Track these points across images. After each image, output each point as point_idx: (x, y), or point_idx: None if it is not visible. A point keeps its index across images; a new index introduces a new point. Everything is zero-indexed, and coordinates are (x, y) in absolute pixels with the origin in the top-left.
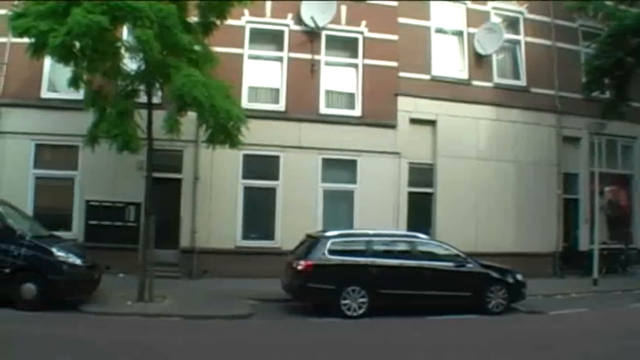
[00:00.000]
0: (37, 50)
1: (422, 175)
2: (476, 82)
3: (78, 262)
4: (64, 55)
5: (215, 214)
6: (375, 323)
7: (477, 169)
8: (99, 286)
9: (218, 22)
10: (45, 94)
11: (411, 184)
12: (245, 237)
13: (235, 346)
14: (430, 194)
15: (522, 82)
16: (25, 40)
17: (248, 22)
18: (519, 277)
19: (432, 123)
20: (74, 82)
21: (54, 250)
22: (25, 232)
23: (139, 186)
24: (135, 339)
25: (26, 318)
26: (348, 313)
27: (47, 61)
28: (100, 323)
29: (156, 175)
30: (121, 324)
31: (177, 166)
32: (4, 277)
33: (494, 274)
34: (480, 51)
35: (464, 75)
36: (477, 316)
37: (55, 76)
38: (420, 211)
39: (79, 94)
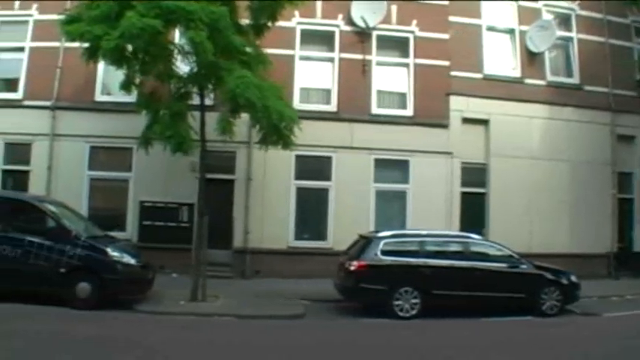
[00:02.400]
0: (92, 55)
1: (475, 175)
2: (528, 81)
3: (132, 261)
4: (116, 59)
5: (267, 214)
6: (428, 324)
7: (530, 168)
8: (153, 286)
9: (269, 24)
10: (99, 97)
11: (463, 184)
12: (297, 237)
13: (287, 346)
14: (483, 194)
15: (575, 79)
16: (79, 44)
17: (299, 23)
18: (573, 278)
19: (484, 122)
20: (126, 86)
21: (108, 250)
22: (80, 233)
23: (192, 187)
24: (188, 338)
25: (81, 317)
26: (401, 314)
27: (101, 65)
28: (153, 322)
29: (209, 176)
30: (174, 323)
31: (230, 167)
32: (59, 277)
33: (548, 276)
34: (532, 49)
35: (516, 73)
36: (530, 318)
37: (108, 80)
38: (473, 212)
39: (133, 97)
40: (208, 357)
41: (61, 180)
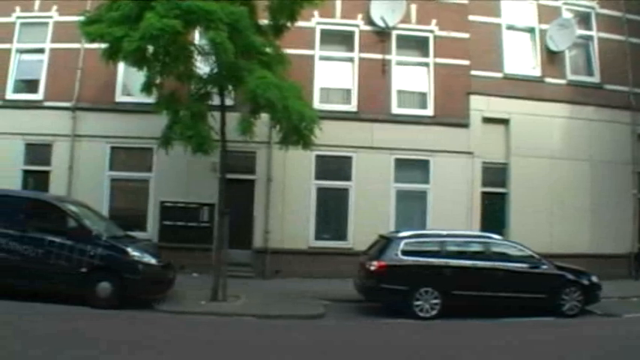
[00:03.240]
0: (112, 56)
1: (495, 174)
2: (549, 80)
3: (153, 261)
4: (137, 60)
5: (288, 214)
6: (448, 325)
7: (551, 168)
8: (173, 286)
9: (288, 24)
10: (119, 97)
11: (484, 183)
12: (317, 237)
13: (306, 346)
14: (504, 194)
15: (596, 78)
16: (99, 45)
17: (318, 23)
18: (594, 278)
19: (505, 122)
20: (147, 88)
21: (129, 249)
22: (101, 233)
23: (213, 187)
24: (209, 338)
25: (102, 316)
26: (421, 314)
27: (121, 66)
28: (174, 322)
29: (229, 176)
30: (195, 323)
31: (250, 167)
32: (80, 277)
33: (569, 276)
34: (553, 47)
35: (537, 72)
36: (551, 318)
37: (129, 81)
38: (494, 212)
39: (153, 98)
40: (226, 356)
41: (82, 180)
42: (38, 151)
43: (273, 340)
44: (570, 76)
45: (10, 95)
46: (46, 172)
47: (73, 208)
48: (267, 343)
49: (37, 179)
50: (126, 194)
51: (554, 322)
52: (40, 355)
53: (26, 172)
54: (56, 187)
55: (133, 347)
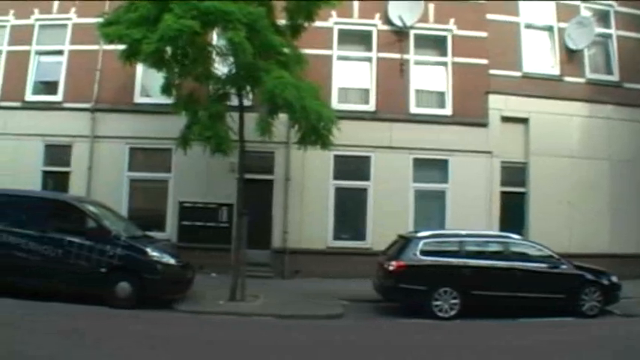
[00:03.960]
0: (130, 57)
1: (514, 174)
2: (568, 78)
3: (172, 261)
4: (156, 61)
5: (306, 214)
6: (467, 325)
7: (570, 167)
8: (192, 286)
9: (305, 25)
10: (138, 99)
11: (503, 183)
12: (336, 237)
13: (324, 346)
14: (523, 194)
15: (615, 77)
16: (118, 47)
17: (336, 23)
18: (614, 279)
19: (523, 121)
20: (166, 90)
21: (148, 250)
22: (120, 233)
23: (231, 187)
24: (228, 338)
25: (121, 316)
26: (440, 314)
27: (140, 67)
28: (193, 322)
29: (248, 176)
30: (213, 323)
31: (268, 167)
32: (99, 276)
33: (589, 276)
34: (571, 46)
35: (555, 71)
36: (570, 318)
37: (147, 82)
38: (513, 211)
39: (172, 99)
40: (245, 356)
41: (101, 181)
42: (58, 152)
43: (292, 340)
44: (589, 75)
45: (29, 97)
46: (66, 173)
47: (92, 208)
48: (286, 342)
49: (56, 180)
50: (145, 195)
51: (573, 322)
52: (57, 353)
53: (46, 173)
54: (75, 188)
55: (150, 346)
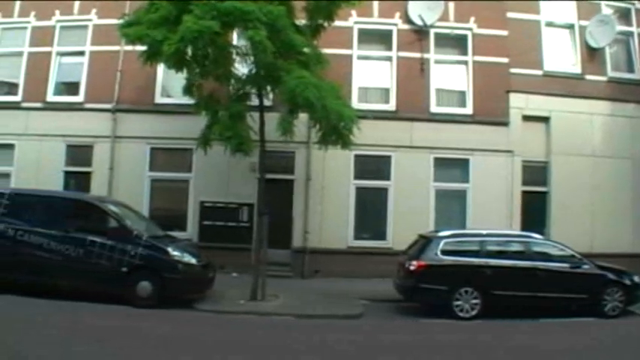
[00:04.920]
0: (150, 57)
1: (536, 173)
2: (589, 77)
3: (193, 261)
4: (177, 62)
5: (327, 214)
6: (488, 325)
7: (592, 166)
8: (213, 285)
9: (325, 24)
10: (159, 99)
11: (524, 182)
12: (357, 237)
13: (345, 345)
14: (544, 193)
15: (637, 75)
16: (138, 48)
17: (356, 22)
18: (637, 279)
19: (545, 120)
20: (188, 91)
21: (169, 249)
22: (141, 233)
23: (252, 187)
24: (249, 337)
25: (142, 315)
26: (461, 314)
27: (160, 68)
28: (214, 321)
29: (268, 176)
30: (234, 322)
31: (289, 167)
32: (121, 276)
33: (611, 276)
34: (593, 44)
35: (577, 69)
36: (592, 319)
37: (168, 82)
38: (534, 211)
39: (192, 99)
40: (266, 355)
41: (122, 181)
42: (79, 153)
43: (312, 340)
44: (611, 73)
45: (51, 97)
46: (87, 173)
47: (113, 208)
48: (306, 342)
49: (78, 180)
50: (166, 194)
51: (595, 322)
52: (82, 351)
53: (67, 173)
54: (97, 188)
55: (171, 345)
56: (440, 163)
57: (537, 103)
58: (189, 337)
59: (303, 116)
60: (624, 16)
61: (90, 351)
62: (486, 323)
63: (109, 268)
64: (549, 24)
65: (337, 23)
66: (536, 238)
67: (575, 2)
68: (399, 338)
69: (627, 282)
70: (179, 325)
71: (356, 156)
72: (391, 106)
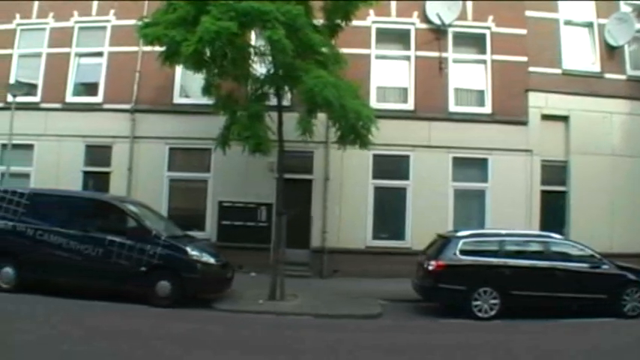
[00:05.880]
0: (168, 58)
1: (555, 172)
2: (608, 75)
3: (211, 261)
4: (196, 63)
5: (345, 214)
6: (508, 325)
7: (611, 165)
8: (231, 285)
9: (343, 24)
10: (177, 99)
11: (543, 182)
12: (375, 237)
13: (365, 345)
14: (564, 193)
15: None
16: (157, 48)
17: (374, 22)
18: None
19: (564, 119)
20: (207, 91)
21: (188, 249)
22: (160, 232)
23: (271, 187)
24: (266, 336)
25: (161, 314)
26: (479, 314)
27: (179, 68)
28: (232, 320)
29: (287, 176)
30: (252, 321)
31: (307, 167)
32: (140, 275)
33: (631, 276)
34: (611, 42)
35: (596, 68)
36: (611, 319)
37: (186, 82)
38: (554, 210)
39: (211, 99)
40: (283, 354)
41: (141, 181)
42: (98, 153)
43: (331, 340)
44: (630, 72)
45: (70, 98)
46: (106, 173)
47: (132, 208)
48: (325, 342)
49: (97, 180)
50: (184, 194)
51: (613, 323)
52: (104, 347)
53: (86, 174)
54: (116, 188)
55: (190, 344)
56: (458, 162)
57: (556, 102)
58: (208, 336)
59: (321, 116)
60: None
61: (109, 350)
62: (506, 323)
63: (128, 267)
64: (568, 22)
65: (355, 23)
66: (555, 238)
67: (593, 1)
68: (418, 338)
69: None
70: (197, 324)
71: (374, 156)
72: (409, 105)
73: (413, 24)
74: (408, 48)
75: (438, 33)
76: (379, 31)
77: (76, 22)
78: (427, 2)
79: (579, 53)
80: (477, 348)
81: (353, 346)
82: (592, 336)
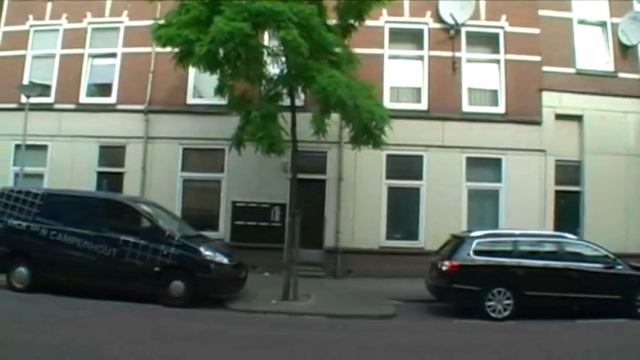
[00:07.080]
0: (182, 59)
1: (569, 172)
2: (622, 74)
3: (225, 261)
4: (209, 64)
5: (359, 214)
6: (521, 325)
7: (626, 165)
8: (245, 285)
9: (356, 24)
10: (190, 100)
11: (557, 182)
12: (389, 237)
13: (378, 346)
14: (578, 193)
15: None
16: (169, 49)
17: (387, 22)
18: None
19: (578, 118)
20: (220, 91)
21: (202, 249)
22: (174, 232)
23: (284, 187)
24: (280, 336)
25: (177, 314)
26: (493, 315)
27: (192, 69)
28: (245, 320)
29: (300, 176)
30: (266, 321)
31: (321, 167)
32: (154, 275)
33: None
34: (625, 41)
35: (610, 67)
36: (625, 320)
37: (199, 83)
38: (568, 211)
39: (224, 100)
40: (297, 354)
41: (155, 181)
42: (112, 153)
43: (345, 340)
44: None
45: (83, 99)
46: (120, 174)
47: (146, 208)
48: (339, 342)
49: (111, 180)
50: (198, 194)
51: (629, 324)
52: (122, 344)
53: (100, 174)
54: (130, 188)
55: (204, 344)
56: (472, 162)
57: (570, 102)
58: (221, 335)
59: (334, 116)
60: None
61: (123, 344)
62: (520, 324)
63: (141, 267)
64: (581, 22)
65: (368, 23)
66: (569, 238)
67: (607, 0)
68: (432, 339)
69: None
70: (215, 324)
71: (388, 156)
72: (423, 105)
73: (426, 24)
74: (421, 48)
75: (451, 32)
76: (392, 31)
77: (89, 23)
78: (440, 2)
79: (593, 52)
80: (491, 348)
81: (367, 346)
82: (609, 337)
